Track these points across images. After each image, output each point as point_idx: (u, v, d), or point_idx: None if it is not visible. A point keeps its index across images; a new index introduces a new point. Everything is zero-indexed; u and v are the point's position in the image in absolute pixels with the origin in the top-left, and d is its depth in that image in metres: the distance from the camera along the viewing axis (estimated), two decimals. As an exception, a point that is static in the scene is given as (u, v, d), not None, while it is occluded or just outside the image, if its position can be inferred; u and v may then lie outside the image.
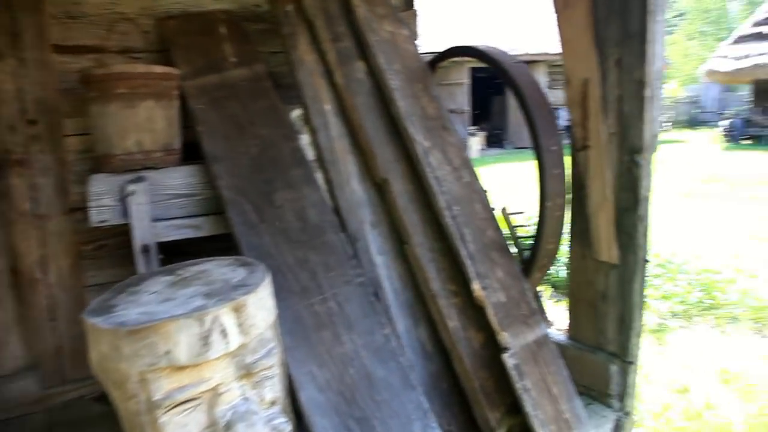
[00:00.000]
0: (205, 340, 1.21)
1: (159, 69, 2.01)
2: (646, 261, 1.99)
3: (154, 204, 1.95)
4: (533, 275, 2.12)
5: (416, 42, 2.63)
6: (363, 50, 2.23)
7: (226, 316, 1.26)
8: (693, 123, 23.62)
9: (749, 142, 16.22)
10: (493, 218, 2.07)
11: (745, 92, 19.83)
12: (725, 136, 16.73)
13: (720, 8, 29.92)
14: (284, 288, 1.73)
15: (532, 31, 16.78)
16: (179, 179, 2.01)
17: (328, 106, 2.12)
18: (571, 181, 2.05)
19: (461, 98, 15.22)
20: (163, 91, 2.00)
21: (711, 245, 5.79)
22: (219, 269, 1.50)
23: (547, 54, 15.74)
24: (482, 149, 15.43)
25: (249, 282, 1.38)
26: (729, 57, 16.13)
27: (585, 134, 1.96)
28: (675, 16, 41.00)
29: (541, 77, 16.16)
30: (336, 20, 2.27)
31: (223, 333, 1.24)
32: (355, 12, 2.25)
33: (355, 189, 2.01)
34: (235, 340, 1.27)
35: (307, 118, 2.09)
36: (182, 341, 1.19)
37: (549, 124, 2.03)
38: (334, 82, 2.16)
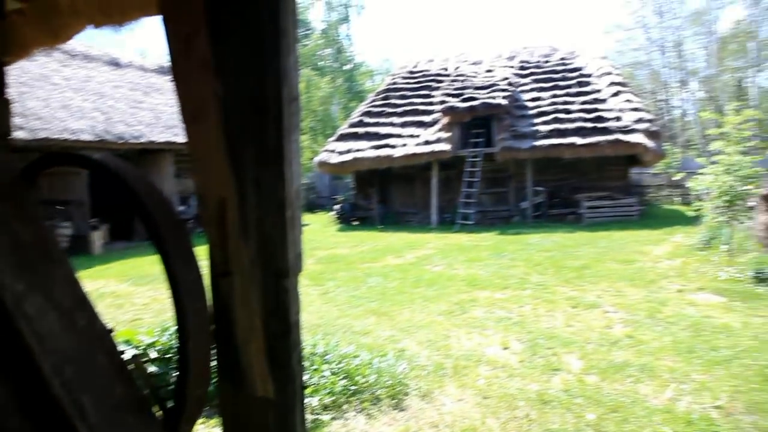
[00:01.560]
0: None
1: None
2: (304, 389, 1.84)
3: None
4: (181, 429, 1.76)
5: (6, 143, 2.06)
6: None
7: None
8: (312, 207, 26.32)
9: (357, 223, 18.77)
10: (122, 367, 1.64)
11: (351, 180, 23.13)
12: (338, 218, 19.02)
13: (325, 110, 34.74)
14: None
15: (158, 119, 16.38)
16: None
17: None
18: (213, 311, 1.79)
19: (80, 188, 13.65)
20: None
21: (342, 329, 6.22)
22: None
23: (173, 143, 15.51)
24: (107, 243, 14.02)
25: None
26: (335, 151, 18.60)
27: (226, 258, 1.74)
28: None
29: (169, 167, 15.80)
30: None
31: None
32: None
33: None
34: None
35: None
36: None
37: (184, 250, 1.75)
38: None
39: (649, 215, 17.09)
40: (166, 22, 1.74)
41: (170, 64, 1.73)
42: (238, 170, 1.67)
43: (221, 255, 1.75)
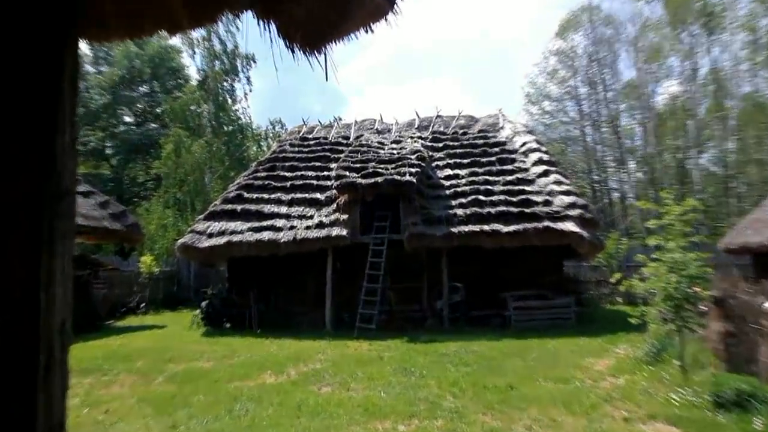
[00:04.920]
0: None
1: None
2: None
3: None
4: None
5: None
6: None
7: None
8: (172, 303, 25.17)
9: (230, 325, 18.04)
10: None
11: (224, 267, 22.45)
12: (205, 318, 18.21)
13: (197, 179, 34.03)
14: None
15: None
16: None
17: None
18: None
19: None
20: None
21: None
22: None
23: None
24: None
25: None
26: (205, 233, 18.06)
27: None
28: (150, 180, 44.97)
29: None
30: None
31: None
32: None
33: None
34: None
35: None
36: None
37: None
38: None
39: (588, 318, 17.63)
40: None
41: None
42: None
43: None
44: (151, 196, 37.25)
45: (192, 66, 76.00)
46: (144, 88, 47.53)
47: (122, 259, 29.98)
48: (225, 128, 38.39)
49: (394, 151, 19.69)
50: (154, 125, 46.13)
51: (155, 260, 26.95)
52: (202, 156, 34.57)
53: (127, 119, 48.31)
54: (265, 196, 19.18)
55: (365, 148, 20.23)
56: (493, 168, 19.25)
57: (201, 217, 19.77)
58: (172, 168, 34.10)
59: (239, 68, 39.27)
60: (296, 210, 18.35)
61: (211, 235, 17.94)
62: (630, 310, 14.63)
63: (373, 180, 17.40)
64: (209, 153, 35.37)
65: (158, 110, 45.93)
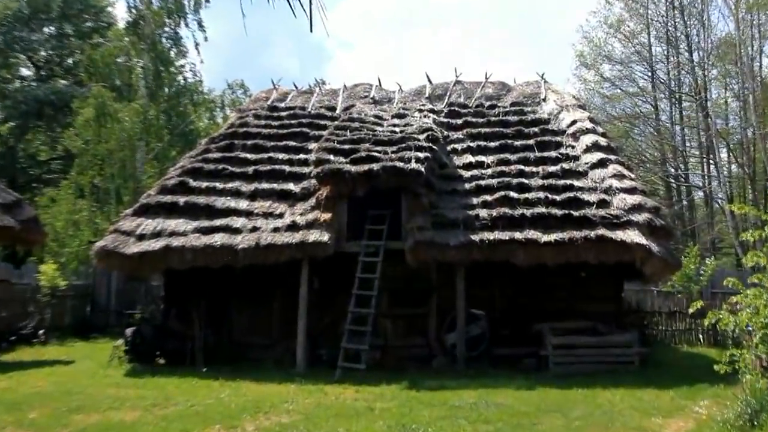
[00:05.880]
0: None
1: None
2: None
3: None
4: None
5: None
6: None
7: None
8: (84, 329, 25.00)
9: (164, 361, 17.99)
10: None
11: (158, 283, 22.41)
12: (131, 351, 18.13)
13: (125, 157, 33.76)
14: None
15: None
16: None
17: None
18: None
19: None
20: None
21: None
22: None
23: None
24: None
25: None
26: (133, 233, 17.99)
27: None
28: (57, 159, 44.70)
29: None
30: None
31: None
32: None
33: None
34: None
35: None
36: None
37: None
38: None
39: (657, 363, 17.60)
40: None
41: None
42: None
43: None
44: (58, 181, 37.12)
45: (120, 2, 75.88)
46: (50, 29, 46.72)
47: (13, 267, 29.78)
48: (166, 90, 38.30)
49: (396, 129, 19.67)
50: (63, 81, 45.53)
51: (61, 270, 26.72)
52: (134, 127, 34.39)
53: (25, 71, 47.76)
54: (219, 185, 19.11)
55: (357, 124, 20.20)
56: (531, 155, 19.24)
57: (129, 211, 19.66)
58: (93, 142, 33.86)
59: (186, 8, 39.17)
60: (260, 205, 18.30)
61: (142, 237, 17.86)
62: (715, 353, 14.58)
63: (366, 167, 17.34)
64: (143, 123, 35.24)
65: (70, 61, 45.59)
